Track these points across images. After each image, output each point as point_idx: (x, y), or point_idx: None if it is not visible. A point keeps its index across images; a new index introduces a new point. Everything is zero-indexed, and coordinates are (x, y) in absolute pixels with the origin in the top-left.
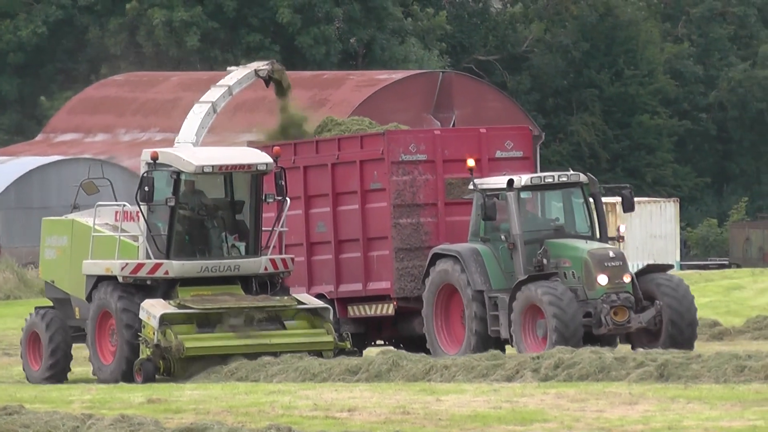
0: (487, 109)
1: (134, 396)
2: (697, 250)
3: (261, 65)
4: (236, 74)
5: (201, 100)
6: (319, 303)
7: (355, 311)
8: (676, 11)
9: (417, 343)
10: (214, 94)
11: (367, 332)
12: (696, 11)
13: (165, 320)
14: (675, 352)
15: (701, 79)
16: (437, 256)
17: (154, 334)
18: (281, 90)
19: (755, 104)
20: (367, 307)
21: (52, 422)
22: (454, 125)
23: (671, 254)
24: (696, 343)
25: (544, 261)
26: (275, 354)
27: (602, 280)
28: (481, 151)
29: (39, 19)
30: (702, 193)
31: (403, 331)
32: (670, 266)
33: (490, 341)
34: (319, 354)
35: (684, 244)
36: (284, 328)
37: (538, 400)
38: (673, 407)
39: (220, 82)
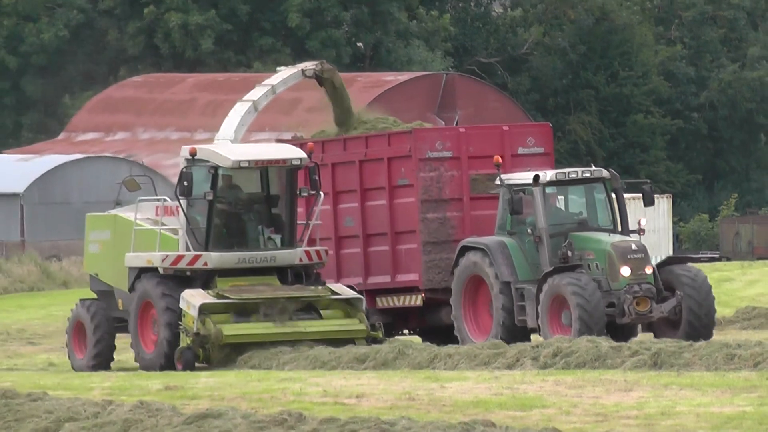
0: (488, 109)
1: (152, 383)
2: (689, 244)
3: (309, 65)
4: (282, 74)
5: (244, 98)
6: (352, 293)
7: (383, 302)
8: (669, 15)
9: (444, 333)
10: (257, 92)
11: (394, 322)
12: (688, 15)
13: (204, 310)
14: (668, 341)
15: (693, 80)
16: (465, 249)
17: (193, 323)
18: (333, 89)
19: (744, 104)
20: (395, 298)
21: (74, 408)
22: (457, 124)
23: (664, 248)
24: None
25: (569, 253)
26: (311, 342)
27: (625, 271)
28: (504, 148)
29: (61, 23)
30: (694, 190)
31: (430, 321)
32: (690, 258)
33: (516, 330)
34: (352, 342)
35: (676, 239)
36: (321, 317)
37: (537, 387)
38: (666, 394)
39: (265, 81)
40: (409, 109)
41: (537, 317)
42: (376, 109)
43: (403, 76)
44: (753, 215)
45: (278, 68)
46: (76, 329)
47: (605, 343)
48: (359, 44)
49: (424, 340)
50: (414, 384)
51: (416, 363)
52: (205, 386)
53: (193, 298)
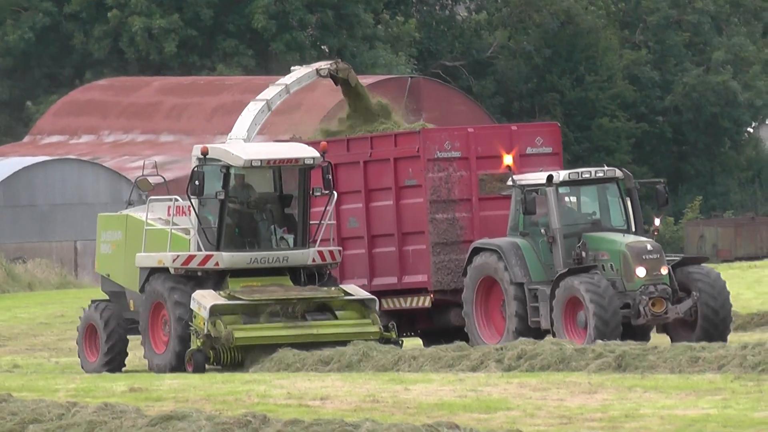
0: (453, 113)
1: (117, 385)
2: None
3: (323, 65)
4: (297, 73)
5: (257, 97)
6: (365, 294)
7: (389, 304)
8: (634, 19)
9: (452, 335)
10: (270, 92)
11: (399, 324)
12: (653, 19)
13: (215, 311)
14: (632, 344)
15: (658, 84)
16: (477, 250)
17: (204, 324)
18: (349, 88)
19: (709, 108)
20: (402, 299)
21: (38, 410)
22: None
23: None
24: (652, 334)
25: (583, 254)
26: (323, 344)
27: (641, 272)
28: (512, 148)
29: (26, 26)
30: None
31: (439, 322)
32: (705, 259)
33: (529, 332)
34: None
35: None
36: (336, 318)
37: (501, 389)
38: (630, 396)
39: (279, 81)
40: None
41: (551, 318)
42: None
43: (368, 79)
44: (717, 218)
45: (293, 68)
46: (88, 332)
47: (569, 345)
48: (324, 47)
49: (426, 344)
50: (378, 386)
51: (380, 365)
52: (170, 388)
53: (204, 299)
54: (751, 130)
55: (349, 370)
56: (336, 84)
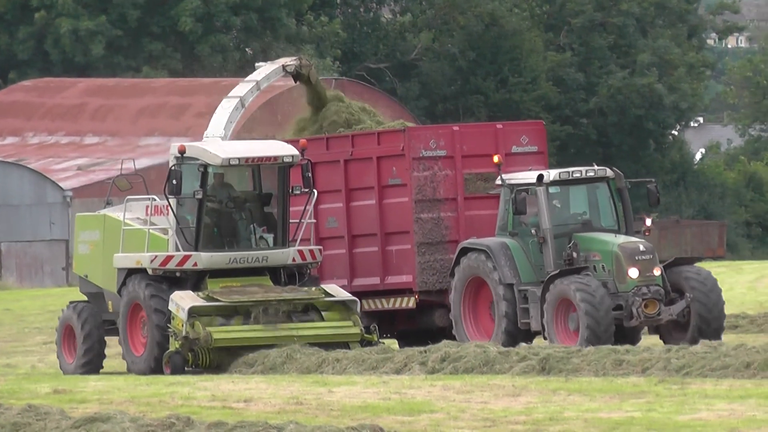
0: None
1: (41, 387)
2: None
3: (289, 61)
4: (264, 69)
5: (229, 95)
6: (347, 295)
7: (371, 305)
8: (559, 21)
9: (436, 336)
10: (242, 89)
11: (379, 325)
12: (577, 21)
13: (193, 312)
14: (556, 347)
15: (582, 86)
16: (465, 250)
17: (182, 326)
18: (309, 85)
19: (634, 110)
20: (385, 300)
21: None
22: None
23: None
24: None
25: (574, 255)
26: (303, 344)
27: (633, 273)
28: (498, 147)
29: None
30: None
31: (422, 324)
32: (698, 259)
33: (519, 333)
34: (345, 345)
35: None
36: (321, 318)
37: (425, 392)
38: (554, 399)
39: (249, 78)
40: (297, 114)
41: (541, 320)
42: (265, 113)
43: (291, 82)
44: (641, 221)
45: (257, 64)
46: (66, 332)
47: (493, 348)
48: (248, 50)
49: (402, 346)
50: (302, 388)
51: (304, 367)
52: (94, 390)
53: (182, 301)
54: (676, 133)
55: (273, 372)
56: (295, 81)
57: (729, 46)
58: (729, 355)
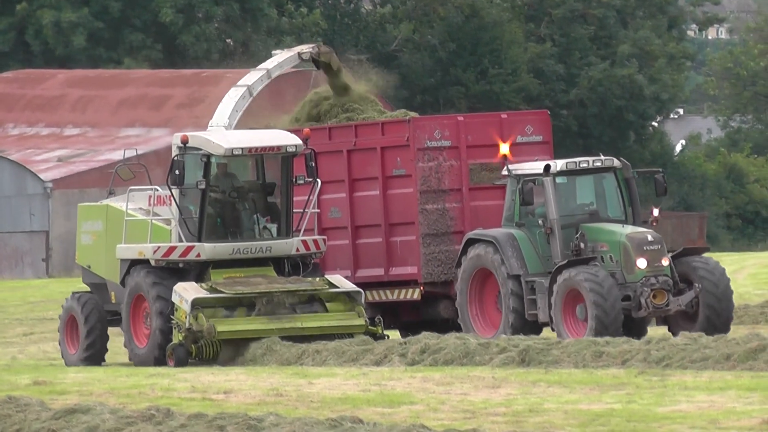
0: None
1: (21, 378)
2: None
3: (305, 48)
4: (278, 57)
5: (238, 83)
6: (351, 286)
7: (375, 296)
8: (539, 12)
9: (441, 327)
10: (251, 77)
11: (384, 317)
12: (558, 12)
13: (196, 304)
14: (535, 338)
15: (563, 77)
16: (472, 241)
17: (186, 317)
18: (331, 72)
19: (614, 101)
20: (389, 291)
21: None
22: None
23: None
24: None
25: (582, 245)
26: (308, 337)
27: (641, 263)
28: (503, 136)
29: None
30: None
31: (427, 315)
32: (706, 249)
33: (527, 324)
34: (350, 337)
35: None
36: (326, 309)
37: (405, 384)
38: (534, 391)
39: (261, 66)
40: (278, 104)
41: (549, 311)
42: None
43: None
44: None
45: (273, 52)
46: (69, 323)
47: (473, 339)
48: (228, 40)
49: (404, 336)
50: (282, 380)
51: (284, 359)
52: (74, 381)
53: (185, 292)
54: (656, 124)
55: (253, 364)
56: (317, 68)
57: (709, 37)
58: (709, 347)
